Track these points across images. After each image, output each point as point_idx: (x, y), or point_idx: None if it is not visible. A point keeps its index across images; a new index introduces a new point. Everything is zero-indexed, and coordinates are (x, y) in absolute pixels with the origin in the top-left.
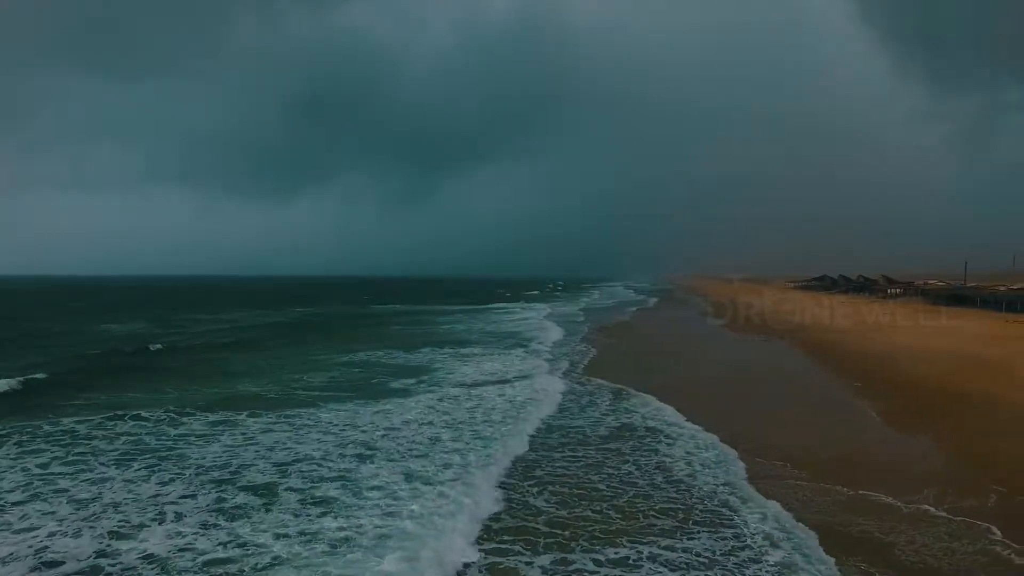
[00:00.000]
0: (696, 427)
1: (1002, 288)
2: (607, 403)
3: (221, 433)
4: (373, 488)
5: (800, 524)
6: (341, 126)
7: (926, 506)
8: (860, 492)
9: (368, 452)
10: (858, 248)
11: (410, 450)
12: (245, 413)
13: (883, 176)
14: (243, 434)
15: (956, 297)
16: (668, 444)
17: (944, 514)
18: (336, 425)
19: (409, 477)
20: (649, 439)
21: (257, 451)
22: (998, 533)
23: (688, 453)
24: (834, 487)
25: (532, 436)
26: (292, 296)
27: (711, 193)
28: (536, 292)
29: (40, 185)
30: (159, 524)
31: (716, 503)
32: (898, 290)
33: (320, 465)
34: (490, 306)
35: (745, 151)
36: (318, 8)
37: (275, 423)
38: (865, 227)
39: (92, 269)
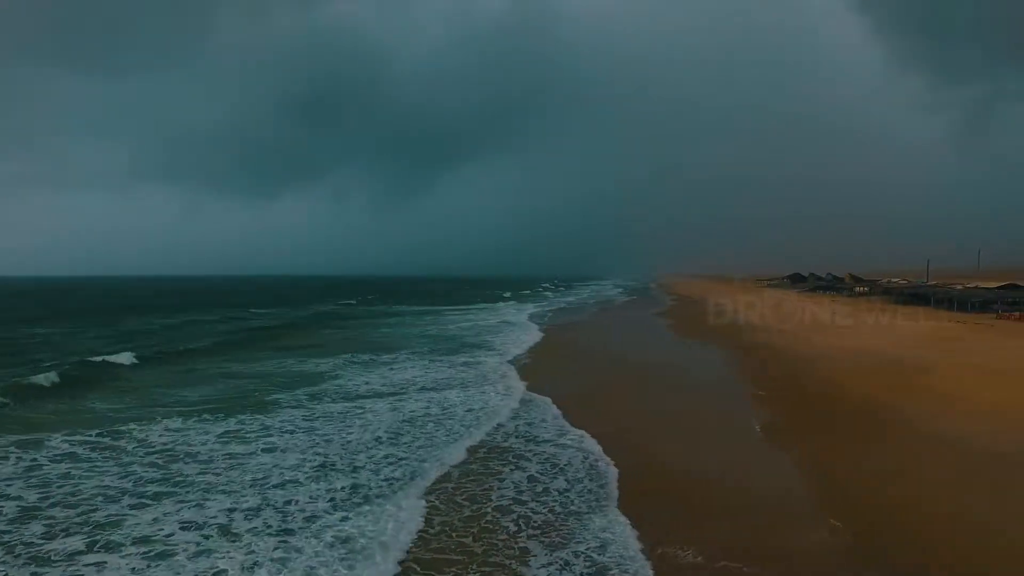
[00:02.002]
0: (574, 440)
1: (959, 286)
2: (486, 419)
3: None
4: (138, 541)
5: None
6: (332, 123)
7: (679, 550)
8: (602, 534)
9: (169, 490)
10: (849, 246)
11: (227, 486)
12: (61, 435)
13: (881, 171)
14: (30, 462)
15: (915, 296)
16: (515, 468)
17: (700, 560)
18: (161, 452)
19: (202, 526)
20: (497, 461)
21: (24, 484)
22: None
23: (532, 479)
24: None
25: (375, 468)
26: (265, 297)
27: (708, 191)
28: (527, 292)
29: (19, 184)
30: None
31: (502, 557)
32: (864, 288)
33: (89, 507)
34: (461, 307)
35: (743, 147)
36: (307, 3)
37: (82, 447)
38: (859, 224)
39: (76, 270)
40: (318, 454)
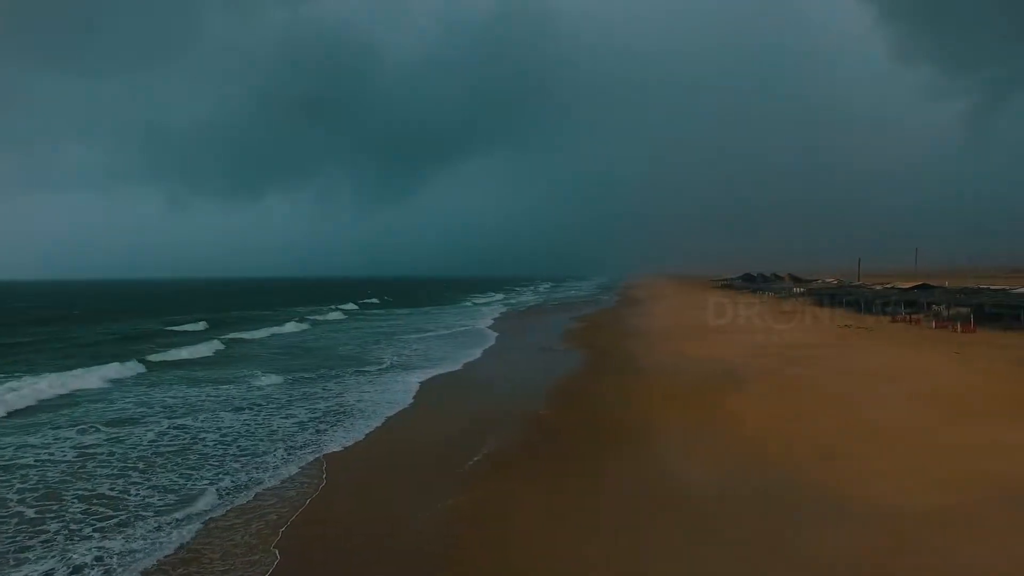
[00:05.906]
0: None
1: (878, 286)
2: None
3: None
4: None
5: None
6: (319, 122)
7: None
8: None
9: None
10: (836, 241)
11: None
12: None
13: (882, 165)
14: None
15: (833, 297)
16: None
17: None
18: None
19: None
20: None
21: None
22: None
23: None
24: None
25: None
26: (221, 300)
27: (707, 189)
28: (517, 290)
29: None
30: None
31: None
32: (801, 288)
33: None
34: (413, 309)
35: (743, 144)
36: None
37: None
38: (859, 220)
39: (57, 273)
40: None
